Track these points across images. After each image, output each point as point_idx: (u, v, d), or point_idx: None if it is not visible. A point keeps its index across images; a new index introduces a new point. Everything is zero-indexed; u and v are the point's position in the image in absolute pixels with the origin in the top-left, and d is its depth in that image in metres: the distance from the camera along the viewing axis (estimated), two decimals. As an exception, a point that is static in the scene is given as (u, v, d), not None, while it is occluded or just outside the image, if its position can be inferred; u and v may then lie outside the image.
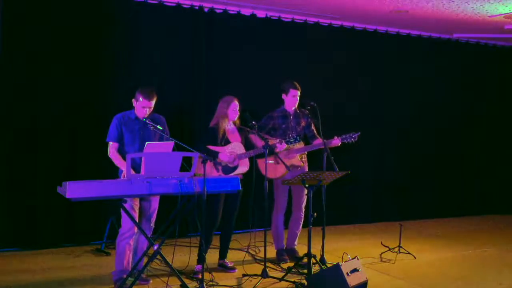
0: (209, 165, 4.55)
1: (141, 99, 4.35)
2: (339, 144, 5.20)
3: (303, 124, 5.41)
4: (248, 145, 5.03)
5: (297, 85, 5.32)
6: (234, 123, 5.02)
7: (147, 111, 4.41)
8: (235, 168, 4.88)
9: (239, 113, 4.96)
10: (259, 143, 5.00)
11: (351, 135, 5.18)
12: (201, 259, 4.68)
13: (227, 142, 4.91)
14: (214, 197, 4.70)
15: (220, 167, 4.81)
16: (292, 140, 4.92)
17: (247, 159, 4.94)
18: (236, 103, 4.93)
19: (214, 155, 4.73)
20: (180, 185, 4.02)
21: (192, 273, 4.80)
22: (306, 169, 5.40)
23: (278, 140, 4.96)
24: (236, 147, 4.91)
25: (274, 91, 6.19)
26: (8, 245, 5.60)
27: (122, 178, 4.34)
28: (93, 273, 4.90)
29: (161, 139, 4.38)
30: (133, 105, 4.42)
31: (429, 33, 7.99)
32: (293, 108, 5.37)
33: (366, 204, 7.61)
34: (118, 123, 4.40)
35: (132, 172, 4.08)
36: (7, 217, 5.58)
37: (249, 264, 5.17)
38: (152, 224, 4.59)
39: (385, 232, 6.80)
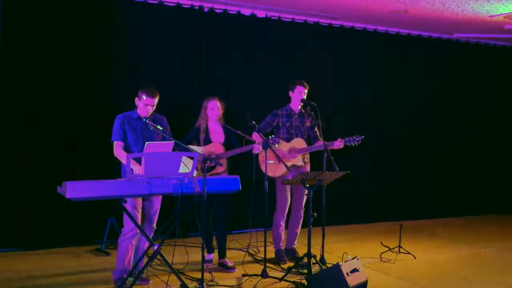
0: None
1: (144, 97, 4.36)
2: (342, 146, 5.20)
3: (307, 124, 5.41)
4: (234, 144, 5.10)
5: (305, 83, 5.35)
6: (220, 122, 5.12)
7: (150, 110, 4.42)
8: (212, 168, 4.94)
9: (221, 112, 5.09)
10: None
11: (354, 138, 5.16)
12: (210, 249, 5.18)
13: (209, 141, 5.03)
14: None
15: (199, 167, 4.83)
16: (271, 141, 4.86)
17: (225, 159, 5.01)
18: (214, 103, 5.07)
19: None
20: (180, 185, 4.02)
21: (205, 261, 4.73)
22: (308, 169, 5.40)
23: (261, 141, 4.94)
24: (214, 147, 4.99)
25: (274, 91, 6.21)
26: (8, 245, 5.60)
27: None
28: (93, 273, 4.90)
29: (163, 139, 4.37)
30: (136, 104, 4.43)
31: (429, 33, 7.99)
32: (299, 106, 5.38)
33: (366, 204, 7.61)
34: (121, 122, 4.41)
35: (138, 168, 4.08)
36: (7, 217, 5.58)
37: (249, 264, 5.17)
38: (154, 225, 4.59)
39: (385, 232, 6.80)
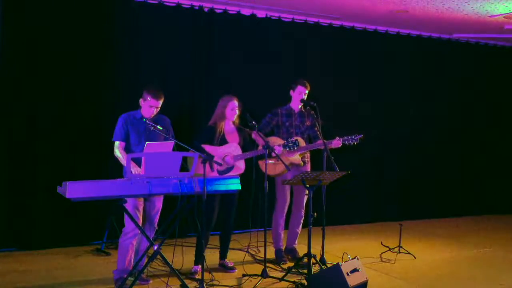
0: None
1: (149, 98, 4.34)
2: (340, 145, 5.19)
3: (307, 123, 5.41)
4: (247, 145, 5.01)
5: (306, 83, 5.33)
6: (234, 123, 5.00)
7: (154, 111, 4.40)
8: (230, 168, 4.87)
9: (238, 113, 4.93)
10: (261, 142, 4.99)
11: (352, 137, 5.16)
12: (198, 259, 4.76)
13: (224, 142, 4.88)
14: (209, 197, 4.66)
15: (215, 167, 4.79)
16: (291, 144, 4.90)
17: (243, 160, 4.90)
18: (234, 103, 4.88)
19: (208, 155, 4.71)
20: (180, 185, 4.02)
21: (189, 273, 4.80)
22: (309, 169, 5.40)
23: (277, 143, 4.98)
24: (232, 147, 4.89)
25: (274, 91, 6.21)
26: (8, 245, 5.60)
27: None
28: (93, 273, 4.90)
29: (166, 139, 4.35)
30: (140, 104, 4.41)
31: (429, 33, 7.99)
32: (299, 106, 5.38)
33: (366, 204, 7.61)
34: (124, 122, 4.40)
35: (137, 169, 4.08)
36: (7, 217, 5.58)
37: (249, 264, 5.17)
38: (155, 226, 4.59)
39: (385, 232, 6.80)
